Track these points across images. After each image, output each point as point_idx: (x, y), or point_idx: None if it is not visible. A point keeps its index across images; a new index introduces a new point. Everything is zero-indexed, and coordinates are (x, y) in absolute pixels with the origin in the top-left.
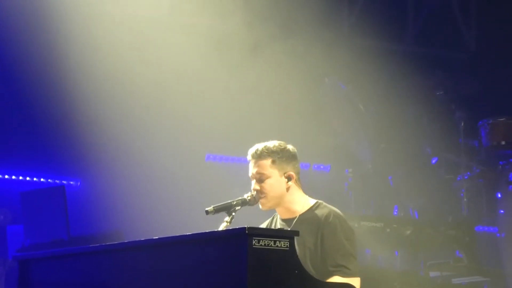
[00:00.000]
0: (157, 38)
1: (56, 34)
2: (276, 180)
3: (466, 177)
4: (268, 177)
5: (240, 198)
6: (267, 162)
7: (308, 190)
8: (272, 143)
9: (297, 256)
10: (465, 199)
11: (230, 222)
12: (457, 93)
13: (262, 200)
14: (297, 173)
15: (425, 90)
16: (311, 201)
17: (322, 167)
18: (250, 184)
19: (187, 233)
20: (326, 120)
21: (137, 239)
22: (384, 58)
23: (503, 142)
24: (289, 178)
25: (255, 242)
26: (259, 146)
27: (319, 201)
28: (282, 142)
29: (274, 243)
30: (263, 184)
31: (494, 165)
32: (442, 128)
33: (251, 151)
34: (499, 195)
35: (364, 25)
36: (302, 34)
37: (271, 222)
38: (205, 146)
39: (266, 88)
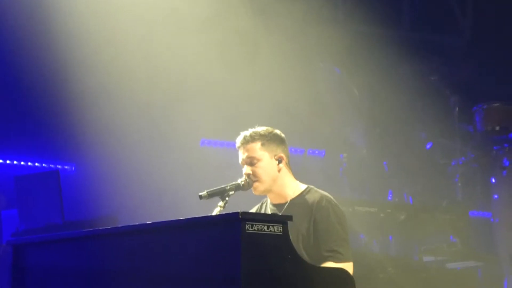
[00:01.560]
0: (150, 20)
1: (49, 19)
2: (267, 163)
3: (460, 162)
4: (259, 160)
5: (234, 183)
6: (256, 145)
7: (302, 176)
8: (260, 128)
9: (290, 241)
10: (459, 184)
11: (223, 206)
12: (452, 79)
13: (255, 184)
14: (287, 157)
15: (420, 75)
16: (302, 186)
17: (317, 152)
18: (242, 170)
19: (181, 218)
20: (321, 105)
21: (131, 224)
22: (379, 44)
23: (497, 127)
24: (279, 160)
25: (249, 227)
26: (246, 132)
27: (310, 186)
28: (269, 127)
29: (268, 228)
30: (254, 168)
31: (488, 150)
32: (437, 113)
33: (239, 138)
34: (493, 180)
35: (360, 11)
36: (297, 19)
37: (260, 207)
38: (200, 131)
39: (262, 73)
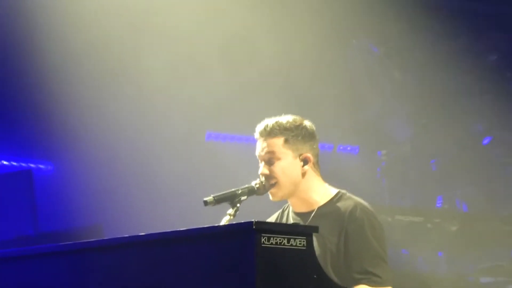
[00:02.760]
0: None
1: (20, 12)
2: (289, 163)
3: None
4: (279, 159)
5: (246, 186)
6: (279, 141)
7: (330, 178)
8: (286, 118)
9: (316, 257)
10: None
11: (234, 215)
12: None
13: (273, 189)
14: (315, 156)
15: (476, 54)
16: (332, 191)
17: (349, 148)
18: (259, 169)
19: (181, 229)
20: (354, 91)
21: (120, 236)
22: (426, 16)
23: None
24: (305, 161)
25: (265, 239)
26: (269, 121)
27: (342, 191)
28: (297, 117)
29: (288, 241)
30: (273, 168)
31: None
32: (496, 101)
33: (260, 127)
34: None
35: None
36: None
37: (281, 216)
38: (205, 122)
39: (280, 53)
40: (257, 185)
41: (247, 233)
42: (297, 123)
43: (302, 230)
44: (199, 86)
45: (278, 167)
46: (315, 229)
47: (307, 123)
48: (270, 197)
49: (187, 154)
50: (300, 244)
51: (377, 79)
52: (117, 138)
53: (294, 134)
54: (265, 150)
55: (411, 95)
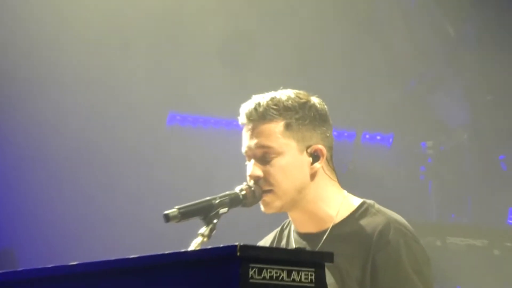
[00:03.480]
0: None
1: None
2: (292, 160)
3: None
4: (278, 154)
5: (227, 193)
6: (277, 126)
7: (350, 181)
8: (286, 94)
9: None
10: None
11: (208, 236)
12: None
13: (267, 198)
14: (329, 149)
15: None
16: (354, 201)
17: (378, 138)
18: (244, 167)
19: (129, 257)
20: (383, 55)
21: (35, 268)
22: None
23: None
24: (315, 156)
25: (254, 272)
26: (262, 98)
27: (368, 201)
28: (302, 92)
29: (289, 275)
30: (268, 167)
31: None
32: None
33: (247, 107)
34: None
35: None
36: None
37: (279, 237)
38: (166, 100)
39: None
40: (244, 192)
41: (228, 262)
42: (303, 100)
43: (309, 258)
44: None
45: (276, 166)
46: (329, 257)
47: (315, 100)
48: (263, 209)
49: (141, 144)
50: (306, 279)
51: (419, 39)
52: (39, 125)
53: (300, 116)
54: (256, 142)
55: (471, 62)
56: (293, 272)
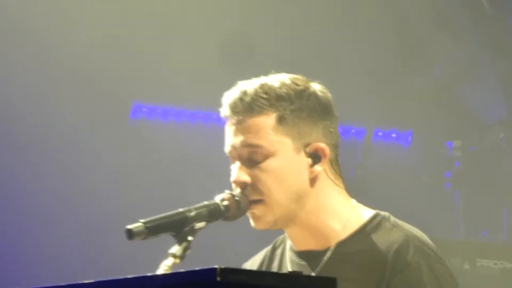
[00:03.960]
0: None
1: None
2: (287, 161)
3: None
4: (269, 154)
5: (205, 204)
6: (268, 120)
7: (359, 189)
8: (279, 79)
9: None
10: None
11: (181, 257)
12: None
13: (256, 210)
14: (334, 147)
15: None
16: (365, 214)
17: (394, 135)
18: (229, 171)
19: (79, 283)
20: (401, 35)
21: None
22: None
23: None
24: (315, 157)
25: None
26: (248, 86)
27: (382, 213)
28: (299, 77)
29: None
30: (257, 172)
31: None
32: None
33: (231, 97)
34: None
35: None
36: None
37: (270, 258)
38: (131, 88)
39: None
40: (226, 203)
41: None
42: (300, 87)
43: (308, 284)
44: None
45: (266, 169)
46: (331, 283)
47: (316, 86)
48: (252, 224)
49: (100, 141)
50: None
51: (446, 13)
52: None
53: (296, 108)
54: (243, 139)
55: (511, 44)
56: None
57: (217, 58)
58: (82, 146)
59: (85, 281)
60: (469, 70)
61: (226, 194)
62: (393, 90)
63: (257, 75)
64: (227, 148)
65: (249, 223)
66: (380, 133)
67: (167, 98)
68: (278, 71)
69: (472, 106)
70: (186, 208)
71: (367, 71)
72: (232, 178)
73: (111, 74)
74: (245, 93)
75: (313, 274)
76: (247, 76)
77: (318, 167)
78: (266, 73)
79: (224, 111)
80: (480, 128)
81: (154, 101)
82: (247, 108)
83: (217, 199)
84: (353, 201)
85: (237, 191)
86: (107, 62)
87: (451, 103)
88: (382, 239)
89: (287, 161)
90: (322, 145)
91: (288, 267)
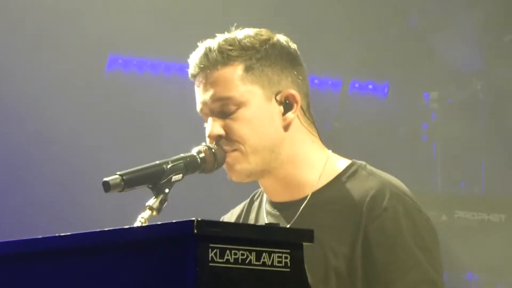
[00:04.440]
0: None
1: None
2: (258, 110)
3: None
4: (240, 105)
5: (181, 156)
6: (235, 71)
7: (336, 141)
8: (242, 32)
9: (308, 284)
10: None
11: (158, 209)
12: None
13: (231, 159)
14: (304, 96)
15: None
16: (340, 163)
17: (370, 87)
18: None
19: (58, 235)
20: None
21: None
22: None
23: None
24: (287, 104)
25: (214, 254)
26: (212, 42)
27: (358, 162)
28: (263, 30)
29: (258, 258)
30: (231, 122)
31: None
32: None
33: (196, 55)
34: None
35: None
36: None
37: (246, 211)
38: (106, 39)
39: None
40: (202, 155)
41: (183, 242)
42: (264, 37)
43: (284, 237)
44: None
45: (239, 119)
46: (308, 234)
47: (281, 37)
48: (229, 176)
49: (74, 96)
50: (279, 262)
51: None
52: None
53: (261, 56)
54: (211, 93)
55: None
56: (264, 254)
57: (194, 8)
58: (58, 99)
59: (61, 234)
60: (445, 20)
61: (202, 146)
62: (369, 41)
63: (232, 23)
64: (198, 106)
65: (225, 178)
66: (356, 85)
67: (142, 50)
68: (252, 15)
69: (449, 57)
70: (162, 161)
71: (343, 22)
72: (207, 133)
73: (87, 24)
74: (209, 49)
75: (289, 225)
76: (224, 27)
77: (290, 114)
78: (242, 22)
79: (191, 69)
80: (457, 79)
81: (130, 53)
82: (213, 62)
83: (194, 151)
84: (329, 151)
85: (212, 143)
86: (83, 14)
87: (428, 54)
88: (358, 187)
89: (259, 109)
90: (293, 91)
91: (265, 219)
